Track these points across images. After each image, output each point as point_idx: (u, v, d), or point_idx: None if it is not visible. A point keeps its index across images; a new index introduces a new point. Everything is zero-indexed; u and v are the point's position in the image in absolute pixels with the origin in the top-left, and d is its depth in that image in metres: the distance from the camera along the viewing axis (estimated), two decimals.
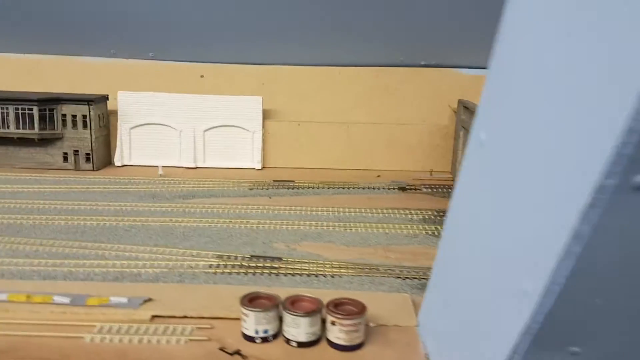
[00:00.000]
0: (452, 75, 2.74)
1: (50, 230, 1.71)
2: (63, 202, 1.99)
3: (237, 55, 2.75)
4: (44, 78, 2.71)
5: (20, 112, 2.41)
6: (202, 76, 2.77)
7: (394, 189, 2.28)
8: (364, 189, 2.27)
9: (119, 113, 2.63)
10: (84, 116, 2.47)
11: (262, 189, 2.27)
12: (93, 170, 2.50)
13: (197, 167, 2.64)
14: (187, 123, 2.65)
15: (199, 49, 2.73)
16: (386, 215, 1.92)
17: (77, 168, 2.50)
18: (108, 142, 2.64)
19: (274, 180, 2.38)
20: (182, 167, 2.63)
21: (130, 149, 2.65)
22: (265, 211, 1.96)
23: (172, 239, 1.68)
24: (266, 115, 2.68)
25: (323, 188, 2.28)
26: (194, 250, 1.58)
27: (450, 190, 2.29)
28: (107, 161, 2.63)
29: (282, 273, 1.44)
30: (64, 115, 2.47)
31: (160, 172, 2.45)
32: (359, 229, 1.79)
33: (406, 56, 2.74)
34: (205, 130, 2.66)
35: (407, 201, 2.11)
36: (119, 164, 2.62)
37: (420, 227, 1.81)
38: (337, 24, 2.55)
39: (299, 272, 1.44)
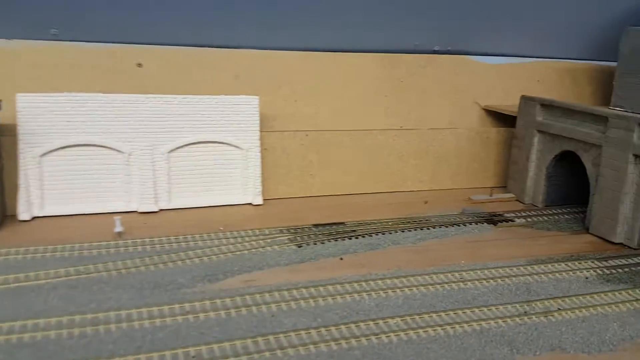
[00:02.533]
0: (468, 65, 2.18)
1: None
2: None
3: (194, 34, 1.81)
4: None
5: None
6: (139, 65, 1.77)
7: (480, 222, 1.66)
8: (446, 226, 1.61)
9: (19, 130, 1.53)
10: None
11: (308, 242, 1.46)
12: None
13: (160, 211, 1.68)
14: (138, 141, 1.66)
15: (133, 24, 1.73)
16: (551, 277, 1.30)
17: None
18: (1, 181, 1.53)
19: (313, 225, 1.58)
20: (135, 211, 1.65)
21: (42, 189, 1.57)
22: (375, 292, 1.20)
23: None
24: None
25: (396, 231, 1.56)
26: None
27: (546, 217, 1.75)
28: (1, 213, 1.52)
29: None
30: None
31: (119, 228, 1.46)
32: (555, 313, 1.15)
33: (420, 40, 2.11)
34: (170, 151, 1.70)
35: (531, 245, 1.51)
36: (27, 218, 1.53)
37: (618, 294, 1.23)
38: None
39: None
